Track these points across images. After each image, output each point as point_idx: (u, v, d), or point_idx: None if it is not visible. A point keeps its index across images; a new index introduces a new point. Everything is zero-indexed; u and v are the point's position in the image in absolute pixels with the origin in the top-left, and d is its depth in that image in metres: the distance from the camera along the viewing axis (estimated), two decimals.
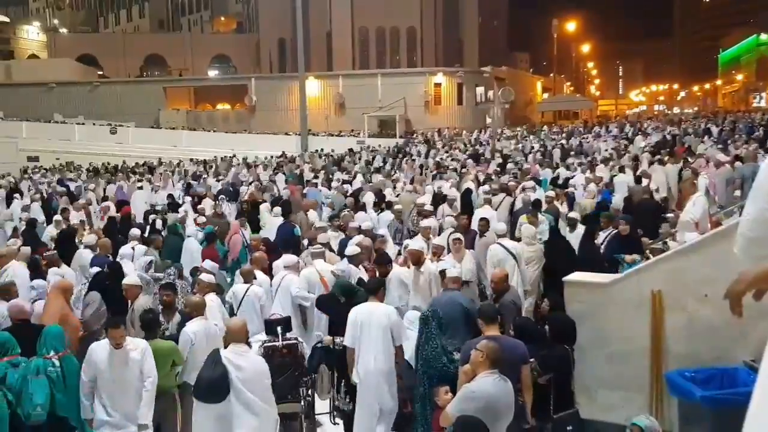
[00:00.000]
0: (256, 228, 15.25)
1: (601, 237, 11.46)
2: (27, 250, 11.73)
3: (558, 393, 6.73)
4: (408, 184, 19.78)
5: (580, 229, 11.76)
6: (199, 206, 16.78)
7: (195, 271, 10.18)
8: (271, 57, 79.43)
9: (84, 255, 11.72)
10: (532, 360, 6.44)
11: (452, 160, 28.08)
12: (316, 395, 7.93)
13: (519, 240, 11.08)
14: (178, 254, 12.31)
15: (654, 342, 7.01)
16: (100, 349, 6.50)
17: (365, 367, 6.94)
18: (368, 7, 71.67)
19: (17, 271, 10.03)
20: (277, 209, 15.32)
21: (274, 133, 52.79)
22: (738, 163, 17.51)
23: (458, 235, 10.56)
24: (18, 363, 6.62)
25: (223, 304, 8.94)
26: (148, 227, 14.65)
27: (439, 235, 11.61)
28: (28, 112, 55.50)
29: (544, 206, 13.85)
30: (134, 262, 11.12)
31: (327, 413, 8.09)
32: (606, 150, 27.18)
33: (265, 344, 7.56)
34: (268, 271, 10.42)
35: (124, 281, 8.73)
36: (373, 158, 32.35)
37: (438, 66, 67.10)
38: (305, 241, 12.68)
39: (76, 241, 13.57)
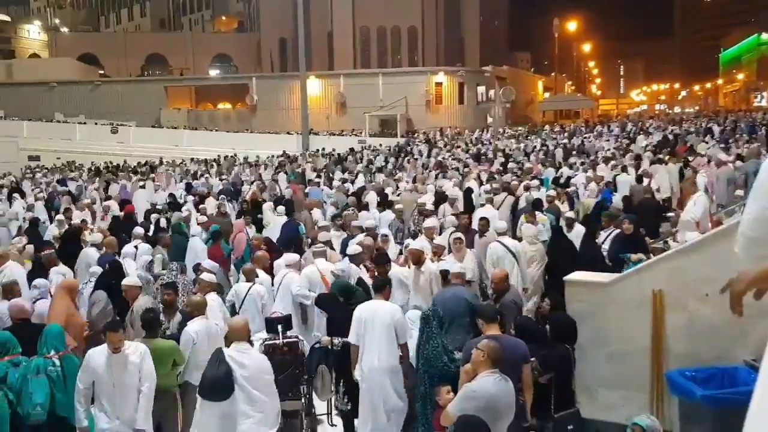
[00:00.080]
0: (258, 227, 15.27)
1: (602, 236, 11.45)
2: (31, 248, 11.77)
3: (559, 392, 6.73)
4: (410, 183, 19.77)
5: (578, 228, 11.73)
6: (201, 206, 16.79)
7: (198, 268, 10.22)
8: (272, 56, 79.43)
9: (90, 254, 11.74)
10: (532, 359, 6.44)
11: (454, 159, 28.07)
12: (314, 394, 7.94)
13: (520, 239, 11.08)
14: (183, 253, 12.33)
15: (654, 341, 7.01)
16: (97, 354, 6.39)
17: (369, 365, 6.94)
18: (369, 6, 71.69)
19: (14, 270, 10.02)
20: (281, 208, 15.35)
21: (275, 132, 52.85)
22: (738, 162, 17.54)
23: (459, 234, 10.57)
24: (19, 362, 6.63)
25: (224, 304, 8.96)
26: (152, 227, 14.63)
27: (440, 234, 11.61)
28: (29, 111, 55.59)
29: (545, 206, 13.87)
30: (136, 260, 11.12)
31: (326, 414, 8.11)
32: (608, 149, 27.16)
33: (266, 342, 7.58)
34: (270, 270, 10.46)
35: (124, 282, 8.72)
36: (375, 157, 32.35)
37: (439, 65, 67.14)
38: (308, 240, 12.71)
39: (81, 240, 13.62)
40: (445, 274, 8.79)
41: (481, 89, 62.10)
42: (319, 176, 23.68)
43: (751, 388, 1.91)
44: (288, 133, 50.67)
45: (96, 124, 52.95)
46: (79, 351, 7.29)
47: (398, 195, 17.35)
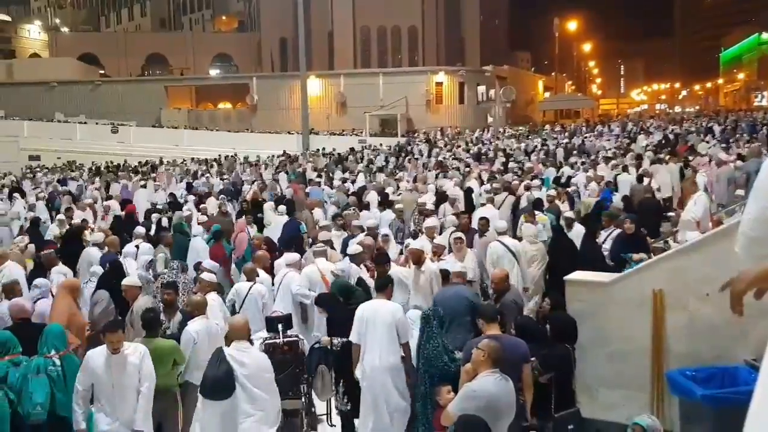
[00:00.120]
0: (258, 227, 15.28)
1: (603, 236, 11.46)
2: (32, 248, 11.78)
3: (559, 392, 6.73)
4: (411, 183, 19.77)
5: (577, 228, 11.72)
6: (201, 205, 16.79)
7: (199, 267, 10.26)
8: (272, 56, 79.43)
9: (92, 253, 11.75)
10: (533, 359, 6.45)
11: (455, 159, 28.07)
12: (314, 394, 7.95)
13: (521, 239, 11.08)
14: (184, 253, 12.33)
15: (655, 341, 7.01)
16: (97, 355, 6.35)
17: (371, 364, 6.95)
18: (370, 6, 71.69)
19: (13, 270, 10.02)
20: (282, 207, 15.37)
21: (276, 132, 52.82)
22: (739, 162, 17.55)
23: (460, 234, 10.56)
24: (19, 362, 6.63)
25: (224, 303, 8.97)
26: (153, 226, 14.64)
27: (440, 234, 11.61)
28: (29, 111, 55.60)
29: (546, 205, 13.87)
30: (137, 260, 11.13)
31: (325, 414, 8.11)
32: (609, 149, 27.17)
33: (266, 341, 7.60)
34: (270, 270, 10.48)
35: (123, 282, 8.71)
36: (375, 157, 32.36)
37: (439, 65, 67.13)
38: (309, 240, 12.72)
39: (83, 239, 13.65)
40: (445, 274, 8.79)
41: (482, 89, 62.06)
42: (320, 176, 23.69)
43: (752, 388, 1.91)
44: (289, 132, 50.67)
45: (97, 123, 52.95)
46: (81, 350, 7.30)
47: (399, 195, 17.35)
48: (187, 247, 12.60)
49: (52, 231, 14.92)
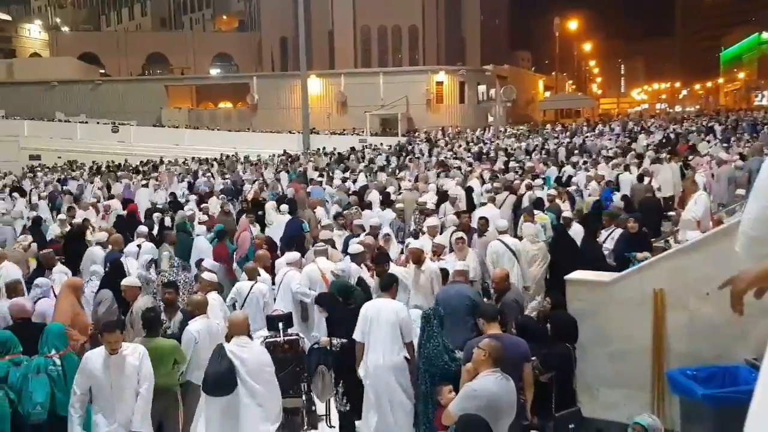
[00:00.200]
0: (260, 226, 15.29)
1: (603, 235, 11.46)
2: (35, 247, 11.80)
3: (560, 391, 6.74)
4: (412, 182, 19.76)
5: (576, 227, 11.72)
6: (203, 205, 16.78)
7: (200, 264, 10.33)
8: (273, 55, 79.44)
9: (95, 252, 11.76)
10: (533, 358, 6.45)
11: (455, 158, 28.06)
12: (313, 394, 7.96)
13: (521, 238, 11.08)
14: (187, 252, 12.34)
15: (655, 340, 7.01)
16: (95, 356, 6.28)
17: (374, 363, 6.95)
18: (370, 5, 71.68)
19: (10, 271, 10.02)
20: (284, 207, 15.38)
21: (277, 131, 52.81)
22: (739, 162, 17.56)
23: (461, 234, 10.53)
24: (20, 361, 6.63)
25: (225, 303, 8.97)
26: (156, 226, 14.64)
27: (441, 233, 11.60)
28: (30, 110, 55.66)
29: (546, 204, 13.87)
30: (138, 259, 11.13)
31: (325, 415, 8.11)
32: (610, 149, 27.18)
33: (267, 340, 7.61)
34: (270, 270, 10.49)
35: (123, 282, 8.71)
36: (376, 157, 32.36)
37: (440, 64, 67.14)
38: (312, 239, 12.73)
39: (86, 238, 13.68)
40: (444, 274, 8.79)
41: (482, 88, 62.03)
42: (321, 175, 23.69)
43: (752, 387, 1.92)
44: (290, 132, 50.67)
45: (98, 123, 52.95)
46: (88, 346, 7.31)
47: (399, 194, 17.36)
48: (190, 246, 12.61)
49: (53, 231, 14.94)
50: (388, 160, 30.63)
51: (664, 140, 30.78)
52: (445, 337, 6.80)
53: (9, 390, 6.41)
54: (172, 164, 34.70)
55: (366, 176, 23.08)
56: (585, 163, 22.28)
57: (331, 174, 24.19)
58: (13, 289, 8.63)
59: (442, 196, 16.02)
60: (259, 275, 9.75)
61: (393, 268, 9.11)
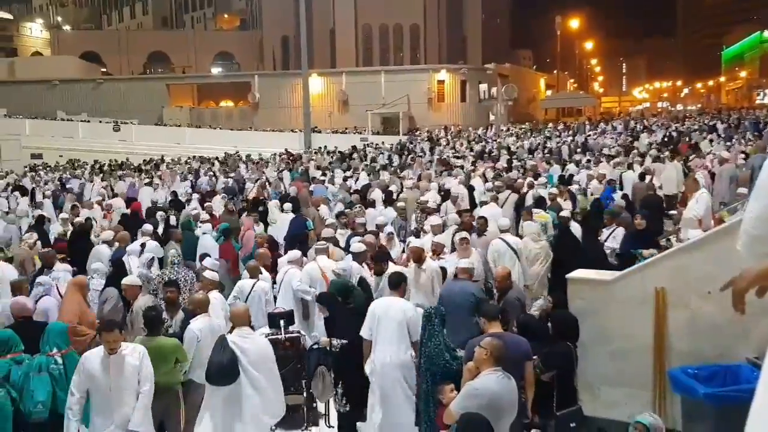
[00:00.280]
0: (264, 225, 15.30)
1: (605, 234, 11.46)
2: (40, 245, 11.83)
3: (561, 390, 6.74)
4: (414, 180, 19.73)
5: (574, 226, 11.68)
6: (206, 204, 16.78)
7: (204, 258, 10.43)
8: (274, 54, 79.40)
9: (101, 251, 11.77)
10: (535, 357, 6.45)
11: (455, 157, 28.04)
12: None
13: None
14: (192, 250, 12.32)
15: (657, 339, 7.01)
16: (93, 356, 6.18)
17: (382, 361, 6.98)
18: (371, 4, 71.68)
19: (5, 271, 10.03)
20: (288, 205, 15.38)
21: (279, 130, 52.81)
22: (741, 160, 17.55)
23: (465, 234, 10.46)
24: (21, 360, 6.64)
25: (226, 301, 8.98)
26: (162, 224, 14.63)
27: (442, 232, 11.58)
28: (31, 109, 55.73)
29: (548, 203, 13.86)
30: (140, 257, 11.13)
31: (324, 415, 8.12)
32: (612, 147, 27.17)
33: (268, 337, 7.61)
34: (271, 268, 10.52)
35: (123, 281, 8.72)
36: (379, 156, 32.35)
37: (441, 63, 67.15)
38: (316, 237, 12.74)
39: (92, 237, 13.70)
40: (444, 273, 8.79)
41: (484, 87, 61.95)
42: (324, 174, 23.68)
43: (754, 386, 1.92)
44: (292, 131, 50.66)
45: (100, 122, 52.97)
46: (96, 341, 7.32)
47: (399, 193, 17.34)
48: (195, 244, 12.60)
49: (55, 229, 14.96)
50: (390, 159, 30.62)
51: (666, 139, 30.77)
52: (448, 334, 6.82)
53: (11, 388, 6.42)
54: (175, 163, 34.69)
55: (368, 175, 23.06)
56: (588, 161, 22.28)
57: (331, 173, 24.17)
58: (18, 288, 8.65)
59: (445, 194, 16.01)
60: (261, 273, 9.78)
61: (392, 267, 9.11)
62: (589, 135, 37.02)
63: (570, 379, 6.89)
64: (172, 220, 15.07)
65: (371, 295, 8.60)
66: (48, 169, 35.24)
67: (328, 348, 7.68)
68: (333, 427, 7.95)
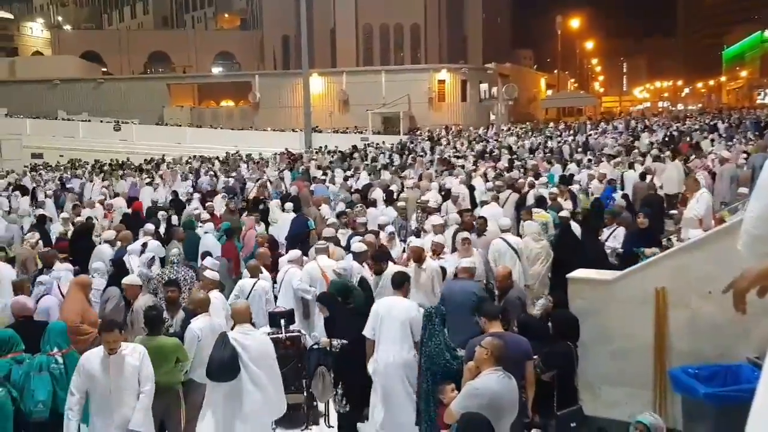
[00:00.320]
0: (264, 224, 15.30)
1: (605, 234, 11.45)
2: (42, 244, 11.85)
3: (561, 390, 6.73)
4: (415, 180, 19.71)
5: (573, 226, 11.68)
6: (208, 203, 16.78)
7: (206, 256, 10.46)
8: (275, 54, 79.45)
9: (104, 250, 11.78)
10: (535, 357, 6.45)
11: (455, 156, 28.02)
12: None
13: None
14: (194, 250, 12.31)
15: (657, 339, 7.01)
16: (93, 356, 6.16)
17: (385, 360, 6.98)
18: (372, 3, 71.71)
19: (3, 271, 10.03)
20: (289, 205, 15.38)
21: (280, 130, 52.81)
22: (742, 160, 17.54)
23: (467, 234, 10.44)
24: (22, 360, 6.64)
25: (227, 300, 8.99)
26: (163, 224, 14.64)
27: (443, 232, 11.56)
28: (32, 109, 55.78)
29: (548, 203, 13.85)
30: (141, 257, 11.12)
31: (324, 416, 8.13)
32: (614, 147, 27.16)
33: (269, 336, 7.61)
34: (270, 268, 10.53)
35: (123, 281, 8.72)
36: (379, 155, 32.35)
37: (442, 63, 67.13)
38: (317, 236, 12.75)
39: (93, 236, 13.70)
40: (444, 272, 8.79)
41: (484, 86, 61.94)
42: (325, 174, 23.67)
43: (754, 386, 1.92)
44: (293, 130, 50.66)
45: (100, 121, 52.99)
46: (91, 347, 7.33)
47: (400, 192, 17.32)
48: (197, 244, 12.60)
49: (56, 229, 14.97)
50: (391, 159, 30.61)
51: (666, 138, 30.76)
52: (450, 332, 6.82)
53: (11, 388, 6.42)
54: (176, 162, 34.69)
55: (369, 174, 23.05)
56: (590, 161, 22.27)
57: (332, 173, 24.16)
58: (20, 287, 8.65)
59: (446, 194, 16.00)
60: (261, 273, 9.78)
61: (391, 267, 9.10)
62: (590, 134, 37.00)
63: (570, 379, 6.89)
64: (174, 219, 15.06)
65: (372, 295, 8.60)
66: (48, 168, 35.22)
67: (328, 348, 7.68)
68: (333, 427, 7.95)
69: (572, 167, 21.08)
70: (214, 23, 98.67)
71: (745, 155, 18.84)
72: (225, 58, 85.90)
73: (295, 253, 10.30)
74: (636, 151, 23.57)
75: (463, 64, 65.37)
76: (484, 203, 14.60)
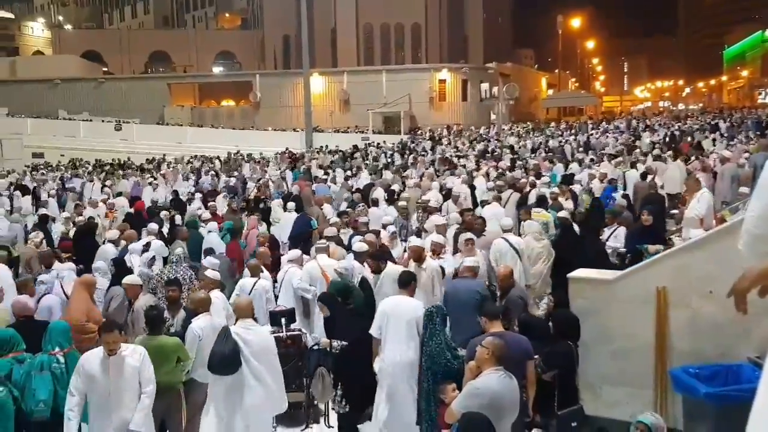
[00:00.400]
0: (266, 224, 15.31)
1: (606, 233, 11.45)
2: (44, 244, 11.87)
3: (562, 389, 6.73)
4: (416, 180, 19.69)
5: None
6: (210, 203, 16.78)
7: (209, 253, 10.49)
8: (275, 53, 79.52)
9: (107, 250, 11.78)
10: (536, 356, 6.45)
11: (456, 156, 28.01)
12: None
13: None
14: (198, 249, 12.31)
15: (658, 338, 7.00)
16: (93, 357, 6.12)
17: (391, 360, 6.98)
18: (373, 3, 71.74)
19: (1, 272, 10.02)
20: (291, 204, 15.39)
21: (281, 129, 52.81)
22: (743, 160, 17.53)
23: (470, 234, 10.40)
24: (23, 359, 6.64)
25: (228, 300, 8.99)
26: (167, 224, 14.64)
27: (444, 232, 11.55)
28: (32, 108, 55.77)
29: (549, 203, 13.85)
30: (142, 256, 11.13)
31: (323, 416, 8.13)
32: (615, 147, 27.16)
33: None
34: (271, 267, 10.54)
35: (124, 281, 8.72)
36: (381, 155, 32.34)
37: (443, 62, 67.17)
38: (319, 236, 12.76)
39: (97, 236, 13.71)
40: (443, 272, 8.79)
41: (485, 86, 61.94)
42: (326, 173, 23.67)
43: (755, 386, 1.92)
44: (294, 130, 50.64)
45: (102, 121, 52.99)
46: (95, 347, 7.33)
47: (400, 192, 17.31)
48: (200, 243, 12.61)
49: (58, 229, 14.96)
50: (392, 158, 30.60)
51: (667, 138, 30.76)
52: (454, 331, 6.82)
53: (12, 387, 6.42)
54: (177, 162, 34.69)
55: (371, 174, 23.04)
56: (592, 161, 22.27)
57: (333, 172, 24.15)
58: (23, 287, 8.65)
59: (447, 194, 15.99)
60: (262, 272, 9.80)
61: (389, 267, 9.08)
62: (591, 134, 36.99)
63: (571, 379, 6.89)
64: (178, 219, 15.07)
65: (372, 294, 8.60)
66: (49, 168, 35.21)
67: (328, 349, 7.69)
68: (332, 427, 7.95)
69: (573, 167, 21.07)
70: (214, 23, 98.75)
71: (746, 154, 18.84)
72: (226, 57, 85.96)
73: (295, 252, 10.32)
74: (637, 150, 23.56)
75: (463, 63, 65.41)
76: (485, 203, 14.59)
